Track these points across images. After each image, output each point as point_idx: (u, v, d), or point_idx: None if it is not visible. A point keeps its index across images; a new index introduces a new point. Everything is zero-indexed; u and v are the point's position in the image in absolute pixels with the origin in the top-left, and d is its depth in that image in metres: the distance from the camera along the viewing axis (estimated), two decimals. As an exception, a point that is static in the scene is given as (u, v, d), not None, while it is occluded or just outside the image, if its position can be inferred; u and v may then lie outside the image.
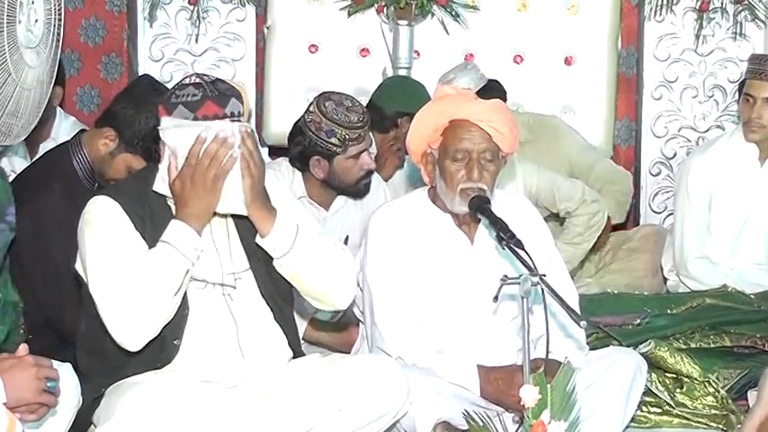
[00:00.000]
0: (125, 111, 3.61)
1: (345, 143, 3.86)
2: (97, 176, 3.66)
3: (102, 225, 2.95)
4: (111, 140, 3.61)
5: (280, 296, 3.12)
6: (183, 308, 2.97)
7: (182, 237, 2.90)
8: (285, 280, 3.06)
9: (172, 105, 2.93)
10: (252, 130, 2.96)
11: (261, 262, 3.06)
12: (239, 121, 2.94)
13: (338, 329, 3.92)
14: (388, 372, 3.06)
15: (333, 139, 3.86)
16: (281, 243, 2.99)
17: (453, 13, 5.48)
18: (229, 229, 3.08)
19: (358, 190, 3.99)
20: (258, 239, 3.00)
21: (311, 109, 3.91)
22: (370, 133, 4.00)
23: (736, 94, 5.46)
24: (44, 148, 4.43)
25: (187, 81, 2.98)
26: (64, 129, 4.68)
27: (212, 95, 2.92)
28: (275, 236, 2.98)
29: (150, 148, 3.51)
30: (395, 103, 4.53)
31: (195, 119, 2.90)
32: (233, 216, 3.03)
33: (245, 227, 3.03)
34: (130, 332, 2.88)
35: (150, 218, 2.98)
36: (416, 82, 4.98)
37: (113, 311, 2.87)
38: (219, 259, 3.05)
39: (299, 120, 3.96)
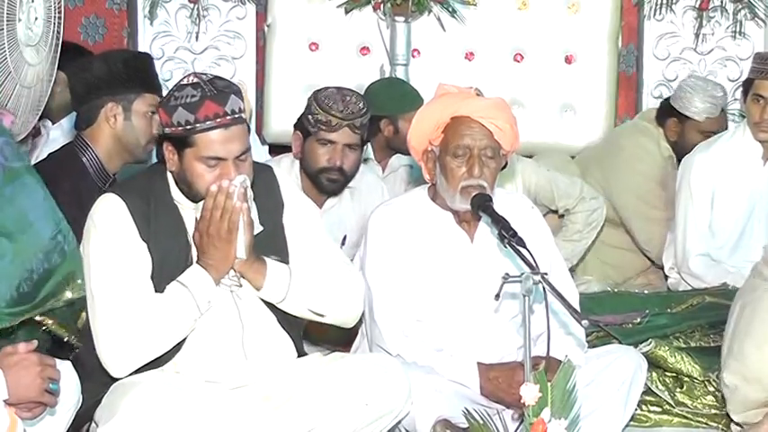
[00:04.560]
0: (80, 79, 3.61)
1: (318, 124, 3.92)
2: (137, 153, 3.64)
3: (107, 236, 2.96)
4: (112, 109, 3.58)
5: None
6: None
7: (199, 282, 2.94)
8: None
9: (171, 108, 2.91)
10: (246, 188, 2.95)
11: None
12: (240, 117, 2.94)
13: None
14: (389, 372, 3.06)
15: (310, 117, 3.95)
16: (275, 294, 3.04)
17: (450, 10, 5.46)
18: None
19: (319, 182, 4.00)
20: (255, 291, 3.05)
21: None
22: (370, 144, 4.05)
23: (736, 92, 5.47)
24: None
25: (185, 82, 2.96)
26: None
27: (211, 95, 2.90)
28: (268, 289, 3.03)
29: (132, 74, 3.55)
30: (371, 107, 4.54)
31: (196, 120, 2.89)
32: None
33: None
34: (117, 361, 2.92)
35: (155, 214, 2.99)
36: (395, 84, 4.99)
37: (105, 338, 2.91)
38: None
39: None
